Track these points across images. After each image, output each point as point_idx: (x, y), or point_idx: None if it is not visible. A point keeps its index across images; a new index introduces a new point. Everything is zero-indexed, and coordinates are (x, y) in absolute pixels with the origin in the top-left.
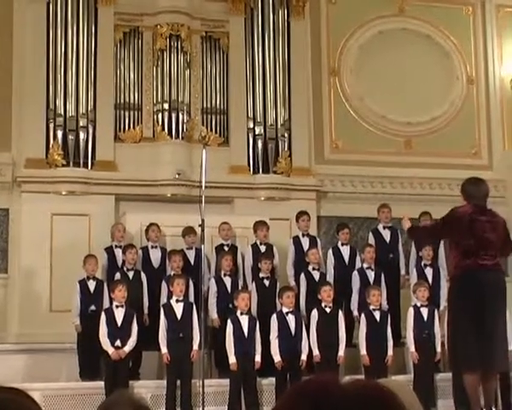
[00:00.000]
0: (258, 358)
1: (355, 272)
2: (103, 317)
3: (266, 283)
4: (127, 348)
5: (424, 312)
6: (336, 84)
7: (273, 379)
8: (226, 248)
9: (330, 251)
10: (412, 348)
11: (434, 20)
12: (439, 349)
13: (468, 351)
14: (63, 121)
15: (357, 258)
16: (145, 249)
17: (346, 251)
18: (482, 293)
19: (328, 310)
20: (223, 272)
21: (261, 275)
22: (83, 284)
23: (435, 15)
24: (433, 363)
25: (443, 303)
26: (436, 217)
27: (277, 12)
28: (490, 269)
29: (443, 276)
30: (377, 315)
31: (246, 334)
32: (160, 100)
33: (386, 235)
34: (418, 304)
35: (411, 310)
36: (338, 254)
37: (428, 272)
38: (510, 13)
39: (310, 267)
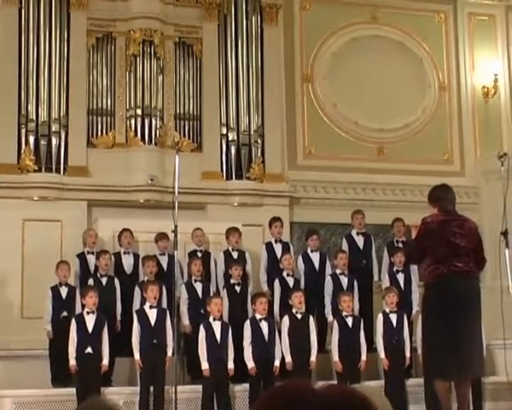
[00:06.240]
0: (230, 364)
1: (328, 278)
2: (74, 324)
3: (237, 289)
4: (105, 361)
5: (393, 318)
6: (309, 91)
7: (246, 385)
8: (199, 255)
9: (300, 257)
10: (382, 354)
11: (407, 28)
12: (408, 355)
13: (442, 358)
14: (35, 127)
15: (328, 264)
16: (117, 255)
17: (315, 257)
18: (456, 300)
19: (298, 316)
20: (193, 278)
21: (232, 281)
22: (55, 291)
23: (408, 22)
24: (403, 368)
25: (415, 308)
26: (409, 223)
27: (251, 18)
28: (463, 276)
29: (414, 281)
30: (349, 321)
31: (218, 340)
32: (132, 105)
33: (360, 241)
34: (387, 310)
35: (380, 316)
36: (308, 261)
37: (400, 277)
38: (482, 21)
39: (284, 273)
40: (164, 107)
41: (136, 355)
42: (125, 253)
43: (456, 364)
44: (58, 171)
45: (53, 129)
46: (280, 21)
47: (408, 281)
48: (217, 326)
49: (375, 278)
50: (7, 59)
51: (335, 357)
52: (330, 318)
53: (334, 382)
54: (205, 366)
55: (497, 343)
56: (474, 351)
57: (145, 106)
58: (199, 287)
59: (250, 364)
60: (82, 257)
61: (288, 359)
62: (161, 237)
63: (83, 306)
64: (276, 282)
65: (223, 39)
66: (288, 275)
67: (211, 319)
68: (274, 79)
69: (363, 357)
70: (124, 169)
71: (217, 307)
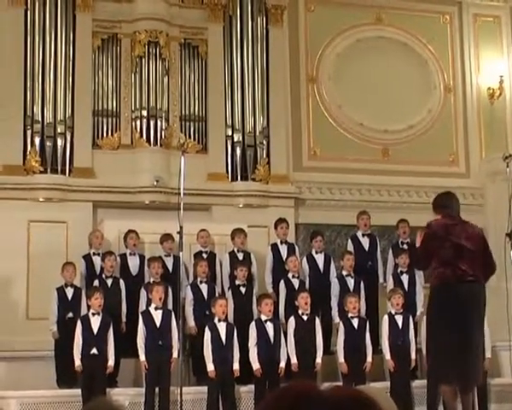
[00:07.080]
0: (236, 365)
1: (335, 280)
2: (79, 325)
3: (242, 290)
4: (111, 362)
5: (399, 319)
6: (314, 92)
7: (252, 387)
8: (205, 256)
9: (304, 259)
10: (388, 355)
11: (412, 29)
12: (413, 356)
13: (446, 364)
14: (41, 128)
15: (332, 265)
16: (123, 256)
17: (320, 259)
18: (460, 305)
19: (305, 318)
20: (199, 279)
21: (237, 282)
22: (60, 292)
23: (413, 24)
24: (408, 370)
25: (419, 309)
26: (414, 224)
27: (256, 19)
28: (468, 280)
29: (419, 282)
30: (355, 323)
31: (224, 341)
32: (138, 107)
33: (365, 242)
34: (393, 311)
35: (386, 318)
36: (312, 262)
37: (404, 278)
38: (487, 22)
39: (289, 275)
40: (169, 108)
41: (142, 356)
42: (130, 254)
43: (459, 371)
44: (63, 172)
45: (58, 130)
46: (285, 23)
47: (412, 282)
48: (222, 327)
49: (381, 279)
50: (13, 60)
51: (341, 358)
52: (336, 319)
53: (340, 383)
54: (210, 367)
55: (503, 345)
56: (476, 358)
57: (150, 107)
58: (204, 288)
59: (255, 365)
60: (88, 258)
61: (294, 360)
62: (167, 238)
63: (88, 307)
64: (282, 283)
65: (228, 40)
66: (293, 276)
67: (216, 321)
68: (279, 81)
69: (369, 358)
70: (129, 170)
71: (222, 308)
